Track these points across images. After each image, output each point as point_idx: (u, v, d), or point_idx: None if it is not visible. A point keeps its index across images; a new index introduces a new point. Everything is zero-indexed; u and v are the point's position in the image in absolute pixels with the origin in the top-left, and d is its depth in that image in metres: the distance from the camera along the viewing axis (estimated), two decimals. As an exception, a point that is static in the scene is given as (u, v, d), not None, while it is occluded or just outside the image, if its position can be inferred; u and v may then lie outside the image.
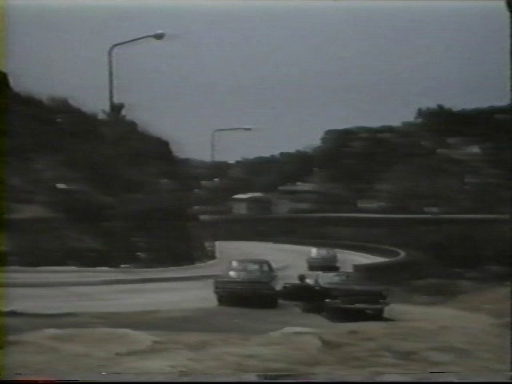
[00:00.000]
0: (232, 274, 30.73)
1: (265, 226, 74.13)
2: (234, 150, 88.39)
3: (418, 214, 70.17)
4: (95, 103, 51.67)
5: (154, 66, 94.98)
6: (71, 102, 49.61)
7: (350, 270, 36.31)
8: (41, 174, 45.14)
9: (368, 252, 58.02)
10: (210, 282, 30.37)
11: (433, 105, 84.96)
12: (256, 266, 31.86)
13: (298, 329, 22.11)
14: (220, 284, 29.98)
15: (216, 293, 29.73)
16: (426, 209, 72.96)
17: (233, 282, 29.90)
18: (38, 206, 42.81)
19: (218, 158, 76.32)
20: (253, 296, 28.91)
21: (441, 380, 16.37)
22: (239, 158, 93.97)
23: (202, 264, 47.27)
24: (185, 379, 16.07)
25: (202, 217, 58.78)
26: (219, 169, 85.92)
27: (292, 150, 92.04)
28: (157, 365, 16.85)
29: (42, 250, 39.89)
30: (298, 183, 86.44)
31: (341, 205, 76.86)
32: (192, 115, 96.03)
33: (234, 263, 32.27)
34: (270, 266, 32.00)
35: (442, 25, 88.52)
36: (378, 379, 16.62)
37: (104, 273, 39.10)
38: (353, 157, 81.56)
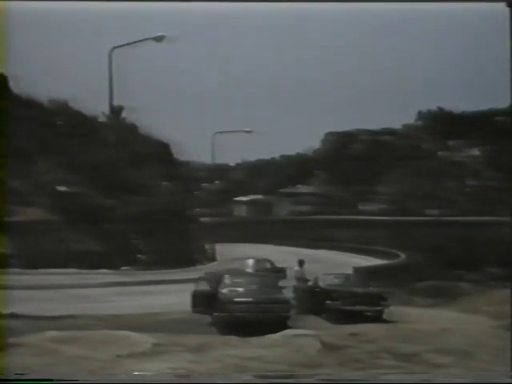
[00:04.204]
0: (239, 292, 24.16)
1: (265, 228, 74.02)
2: (235, 153, 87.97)
3: (419, 216, 70.11)
4: (95, 106, 51.66)
5: (154, 69, 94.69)
6: (71, 104, 49.65)
7: (350, 271, 36.24)
8: (41, 176, 45.15)
9: (368, 254, 57.95)
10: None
11: (433, 107, 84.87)
12: (267, 280, 25.81)
13: (298, 331, 22.10)
14: (223, 306, 23.44)
15: (217, 318, 23.58)
16: (426, 211, 72.91)
17: (244, 303, 23.33)
18: (38, 209, 42.83)
19: (219, 160, 76.36)
20: (270, 320, 22.69)
21: (441, 381, 16.39)
22: (240, 161, 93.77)
23: (203, 266, 47.24)
24: (185, 381, 16.09)
25: (203, 219, 58.72)
26: (220, 171, 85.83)
27: (292, 153, 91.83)
28: (157, 367, 16.88)
29: (42, 253, 39.91)
30: (299, 185, 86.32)
31: (341, 207, 76.81)
32: (192, 117, 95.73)
33: (237, 277, 25.94)
34: (275, 278, 26.82)
35: (443, 27, 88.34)
36: (379, 381, 16.63)
37: (104, 275, 39.12)
38: (353, 159, 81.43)
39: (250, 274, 27.90)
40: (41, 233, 40.83)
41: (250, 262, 32.71)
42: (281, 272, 34.28)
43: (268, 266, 33.47)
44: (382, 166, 78.21)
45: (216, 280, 27.01)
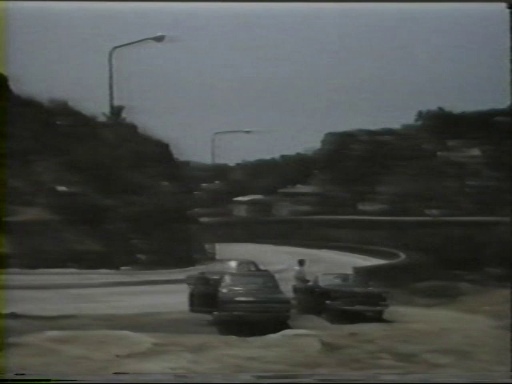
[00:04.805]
0: (239, 291, 24.38)
1: (265, 228, 74.06)
2: (235, 153, 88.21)
3: (419, 216, 70.13)
4: (95, 106, 51.68)
5: (154, 69, 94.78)
6: (71, 104, 49.64)
7: (349, 271, 36.25)
8: (41, 176, 45.15)
9: (368, 254, 57.97)
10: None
11: (433, 107, 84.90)
12: (268, 281, 25.63)
13: (298, 331, 22.11)
14: (224, 306, 23.68)
15: (218, 318, 23.92)
16: (426, 211, 72.91)
17: (245, 302, 23.61)
18: (38, 209, 42.82)
19: (219, 160, 76.35)
20: (270, 319, 23.08)
21: (441, 381, 16.39)
22: (239, 161, 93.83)
23: (203, 266, 47.18)
24: (185, 381, 16.09)
25: (203, 219, 58.72)
26: (219, 171, 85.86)
27: (292, 153, 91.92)
28: (157, 367, 16.88)
29: (42, 252, 39.90)
30: (299, 185, 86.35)
31: (341, 207, 76.81)
32: (192, 118, 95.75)
33: (237, 277, 26.21)
34: (275, 279, 26.14)
35: (442, 27, 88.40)
36: (379, 381, 16.63)
37: (104, 275, 39.10)
38: (353, 159, 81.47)
39: (250, 274, 27.93)
40: (40, 233, 40.82)
41: (233, 263, 32.54)
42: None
43: (252, 267, 32.89)
44: (382, 165, 78.21)
45: (199, 282, 27.46)
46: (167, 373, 16.33)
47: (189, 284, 29.96)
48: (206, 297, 24.92)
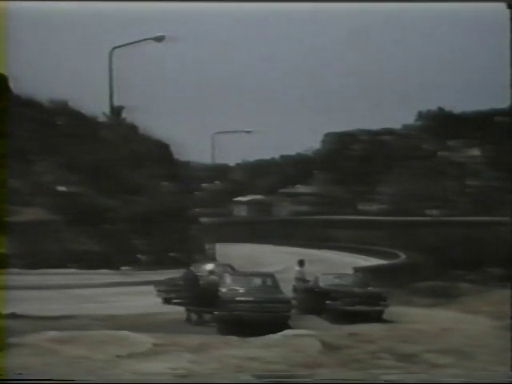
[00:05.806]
0: (240, 291, 24.23)
1: (265, 228, 74.11)
2: (235, 153, 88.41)
3: (419, 216, 70.19)
4: (95, 106, 51.69)
5: (154, 69, 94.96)
6: (71, 104, 49.68)
7: (350, 271, 36.24)
8: (41, 176, 45.17)
9: (368, 254, 58.01)
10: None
11: (433, 107, 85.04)
12: (268, 281, 25.51)
13: (298, 331, 22.10)
14: (224, 305, 23.58)
15: (218, 318, 23.77)
16: (426, 211, 72.96)
17: (245, 302, 23.51)
18: (38, 209, 42.83)
19: (219, 160, 76.36)
20: (270, 320, 22.95)
21: (441, 381, 16.39)
22: (240, 161, 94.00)
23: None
24: (185, 381, 16.09)
25: (203, 219, 58.74)
26: (220, 171, 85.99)
27: (292, 153, 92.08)
28: (157, 367, 16.87)
29: (42, 253, 39.90)
30: (299, 186, 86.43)
31: (341, 207, 76.86)
32: (192, 118, 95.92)
33: (237, 277, 25.98)
34: (275, 279, 25.84)
35: (443, 27, 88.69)
36: (379, 381, 16.63)
37: (104, 275, 39.12)
38: (353, 159, 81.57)
39: (250, 274, 27.82)
40: (40, 233, 40.82)
41: (210, 266, 32.47)
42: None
43: (228, 270, 32.91)
44: (382, 166, 78.27)
45: (173, 286, 28.04)
46: (167, 373, 16.33)
47: (158, 291, 30.11)
48: (201, 297, 24.96)
